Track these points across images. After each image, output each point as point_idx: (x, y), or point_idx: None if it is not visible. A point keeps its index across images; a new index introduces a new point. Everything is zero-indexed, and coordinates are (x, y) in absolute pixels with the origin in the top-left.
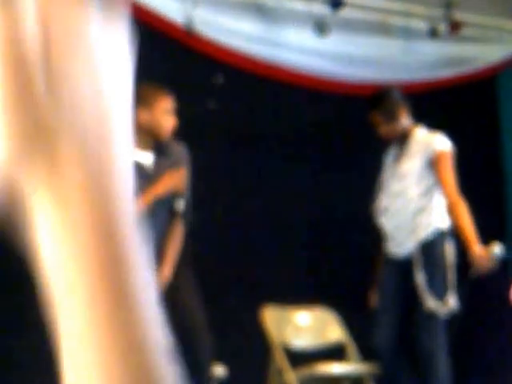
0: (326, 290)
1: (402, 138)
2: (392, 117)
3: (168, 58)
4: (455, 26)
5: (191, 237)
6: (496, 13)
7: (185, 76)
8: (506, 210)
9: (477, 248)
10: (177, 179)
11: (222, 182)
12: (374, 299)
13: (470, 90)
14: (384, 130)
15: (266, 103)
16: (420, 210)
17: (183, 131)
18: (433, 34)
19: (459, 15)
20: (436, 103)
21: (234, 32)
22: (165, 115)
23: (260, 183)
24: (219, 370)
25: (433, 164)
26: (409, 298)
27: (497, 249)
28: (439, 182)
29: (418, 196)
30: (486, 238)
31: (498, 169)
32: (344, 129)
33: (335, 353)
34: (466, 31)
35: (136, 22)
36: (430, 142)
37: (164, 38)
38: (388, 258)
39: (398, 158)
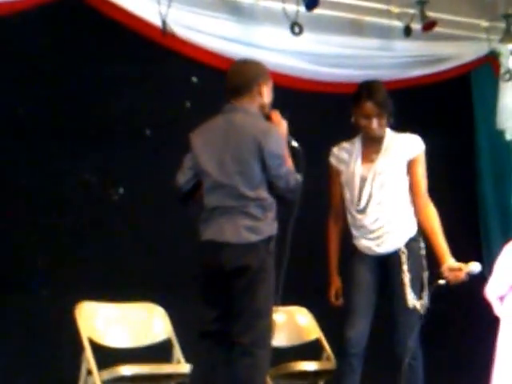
0: (298, 289)
1: (378, 136)
2: (386, 110)
3: (143, 57)
4: (429, 25)
5: None
6: (469, 12)
7: (161, 76)
8: (480, 206)
9: (451, 261)
10: None
11: None
12: (339, 296)
13: (443, 88)
14: (377, 123)
15: None
16: (404, 211)
17: (160, 130)
18: (407, 32)
19: (433, 14)
20: (410, 101)
21: (209, 31)
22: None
23: None
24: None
25: (410, 165)
26: (384, 294)
27: (475, 267)
28: (413, 183)
29: (401, 197)
30: (460, 236)
31: (472, 166)
32: (319, 127)
33: (311, 351)
34: (439, 30)
35: (112, 22)
36: (410, 143)
37: (139, 37)
38: (363, 253)
39: (369, 156)
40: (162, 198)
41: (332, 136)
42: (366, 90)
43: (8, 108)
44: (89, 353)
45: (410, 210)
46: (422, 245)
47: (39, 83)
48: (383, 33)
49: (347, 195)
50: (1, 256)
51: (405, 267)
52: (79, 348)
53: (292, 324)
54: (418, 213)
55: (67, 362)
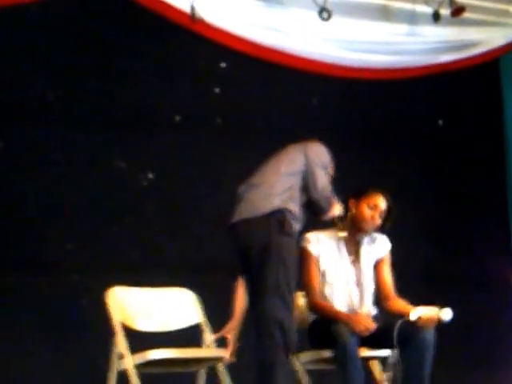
0: None
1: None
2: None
3: (172, 43)
4: (458, 10)
5: None
6: None
7: (190, 62)
8: (509, 194)
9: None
10: None
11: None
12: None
13: (472, 73)
14: (378, 219)
15: (270, 88)
16: None
17: (189, 115)
18: (435, 18)
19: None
20: (438, 87)
21: (238, 17)
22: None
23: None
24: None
25: (382, 262)
26: None
27: (446, 315)
28: (386, 282)
29: None
30: (489, 226)
31: (501, 153)
32: (347, 112)
33: None
34: (468, 15)
35: (140, 8)
36: (382, 239)
37: (168, 23)
38: None
39: (351, 251)
40: (191, 183)
41: (359, 123)
42: (377, 188)
43: (39, 95)
44: (121, 337)
45: None
46: None
47: (70, 71)
48: (411, 18)
49: (329, 291)
50: (30, 240)
51: None
52: (110, 332)
53: None
54: (391, 308)
55: (98, 347)
